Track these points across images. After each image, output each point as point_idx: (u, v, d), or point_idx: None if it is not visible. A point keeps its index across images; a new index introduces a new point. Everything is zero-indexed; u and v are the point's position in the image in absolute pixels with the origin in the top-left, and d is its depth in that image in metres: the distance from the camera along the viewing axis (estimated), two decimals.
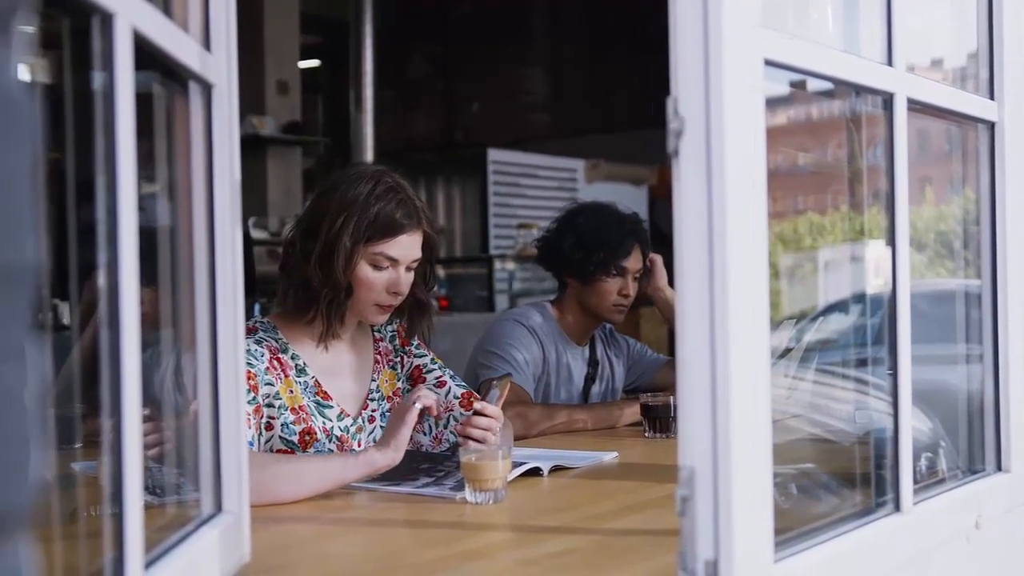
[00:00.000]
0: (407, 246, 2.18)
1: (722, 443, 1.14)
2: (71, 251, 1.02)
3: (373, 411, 2.30)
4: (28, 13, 0.61)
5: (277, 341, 2.20)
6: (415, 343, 2.40)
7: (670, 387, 2.95)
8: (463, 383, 2.39)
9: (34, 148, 0.59)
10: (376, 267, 2.16)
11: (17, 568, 0.58)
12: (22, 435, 0.57)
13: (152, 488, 1.29)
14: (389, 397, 2.34)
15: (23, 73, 0.59)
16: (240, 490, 1.38)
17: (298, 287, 2.18)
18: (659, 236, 3.18)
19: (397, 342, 2.39)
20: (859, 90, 1.53)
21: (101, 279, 0.98)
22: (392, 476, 2.03)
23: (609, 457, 2.31)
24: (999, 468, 1.79)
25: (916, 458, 1.58)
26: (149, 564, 1.08)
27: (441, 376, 2.37)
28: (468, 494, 1.85)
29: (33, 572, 0.61)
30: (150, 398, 1.12)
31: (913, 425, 1.55)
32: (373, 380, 2.32)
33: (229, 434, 1.36)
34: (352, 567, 1.56)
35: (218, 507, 1.35)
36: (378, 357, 2.35)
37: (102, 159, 0.98)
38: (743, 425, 1.15)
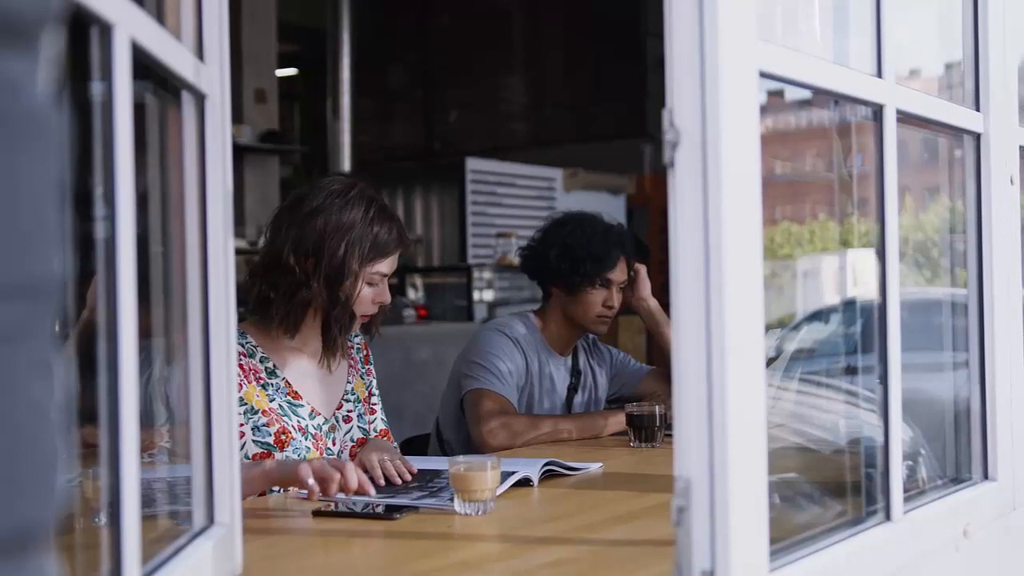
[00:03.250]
0: (395, 261, 2.31)
1: (719, 453, 1.15)
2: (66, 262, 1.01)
3: (349, 411, 2.38)
4: (54, 27, 0.61)
5: (243, 346, 2.25)
6: (371, 363, 2.51)
7: (653, 396, 2.96)
8: (386, 420, 2.49)
9: (61, 162, 0.59)
10: (370, 284, 2.27)
11: None
12: (50, 449, 0.57)
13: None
14: (364, 400, 2.43)
15: (49, 87, 0.59)
16: (232, 502, 1.37)
17: (297, 308, 2.23)
18: (637, 245, 3.19)
19: (361, 356, 2.48)
20: (850, 101, 1.54)
21: (100, 289, 0.98)
22: (386, 490, 2.02)
23: (595, 467, 2.31)
24: (985, 477, 1.80)
25: None
26: None
27: (376, 405, 2.48)
28: (457, 505, 1.84)
29: None
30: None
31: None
32: (348, 382, 2.40)
33: (221, 446, 1.35)
34: None
35: (210, 519, 1.34)
36: (351, 362, 2.44)
37: (100, 169, 0.97)
38: (739, 435, 1.15)
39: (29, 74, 0.57)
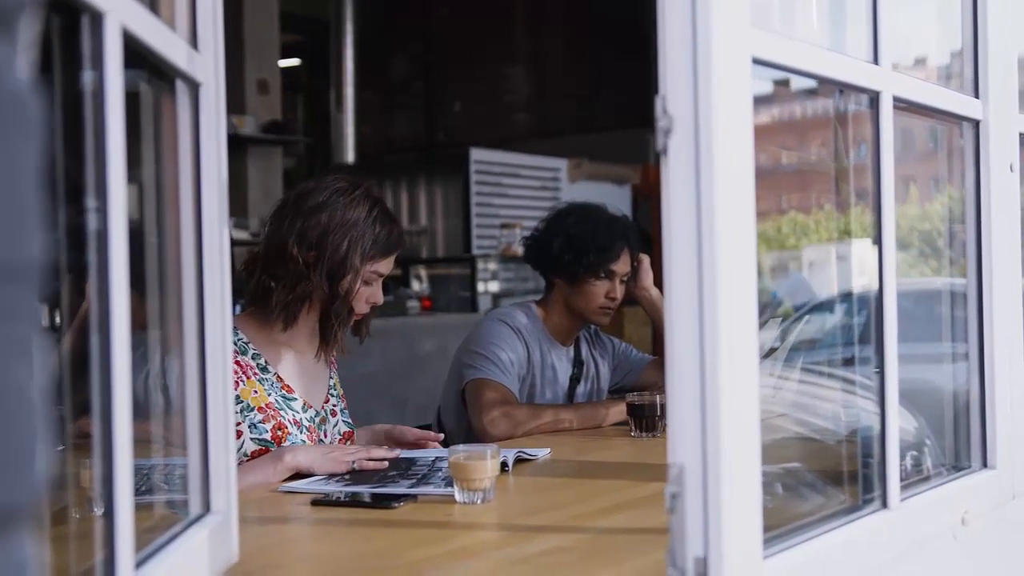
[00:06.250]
0: (392, 263, 2.35)
1: (712, 440, 1.15)
2: (57, 253, 1.01)
3: (334, 406, 2.42)
4: (32, 12, 0.61)
5: (236, 343, 2.25)
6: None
7: (655, 386, 2.96)
8: (350, 421, 2.48)
9: (39, 147, 0.59)
10: (367, 283, 2.29)
11: (23, 562, 0.58)
12: (30, 431, 0.58)
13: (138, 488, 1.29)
14: (342, 396, 2.47)
15: (27, 71, 0.59)
16: (228, 491, 1.37)
17: (297, 299, 2.25)
18: (642, 236, 3.18)
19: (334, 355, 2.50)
20: (846, 88, 1.54)
21: (91, 282, 0.98)
22: (376, 481, 2.02)
23: (543, 453, 2.34)
24: (984, 465, 1.80)
25: (901, 456, 1.59)
26: (139, 564, 1.07)
27: (343, 406, 2.48)
28: (456, 494, 1.84)
29: (38, 567, 0.61)
30: (135, 399, 1.12)
31: (899, 424, 1.55)
32: (331, 377, 2.45)
33: (217, 435, 1.36)
34: (340, 567, 1.55)
35: (206, 507, 1.35)
36: (332, 360, 2.46)
37: (91, 159, 0.97)
38: (733, 422, 1.15)
39: (7, 59, 0.57)
